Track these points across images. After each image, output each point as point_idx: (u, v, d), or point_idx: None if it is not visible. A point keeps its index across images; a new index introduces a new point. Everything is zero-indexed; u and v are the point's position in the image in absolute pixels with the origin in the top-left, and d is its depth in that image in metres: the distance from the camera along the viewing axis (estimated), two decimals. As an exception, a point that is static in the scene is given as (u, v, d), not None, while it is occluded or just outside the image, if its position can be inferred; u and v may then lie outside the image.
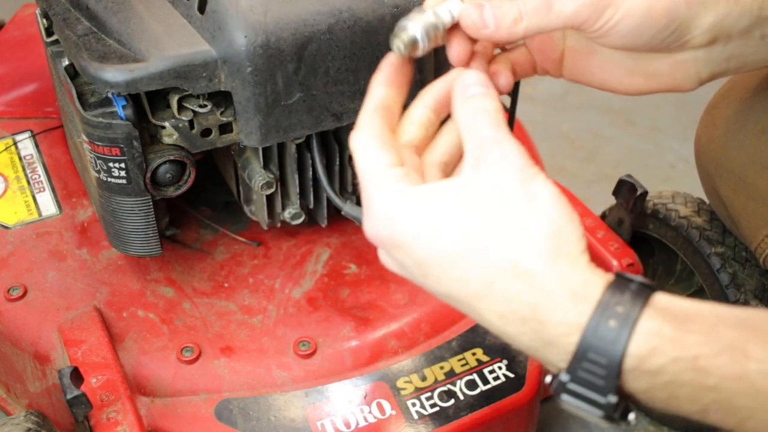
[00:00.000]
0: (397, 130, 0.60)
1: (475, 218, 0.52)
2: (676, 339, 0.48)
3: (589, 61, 0.66)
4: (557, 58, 0.67)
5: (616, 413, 0.50)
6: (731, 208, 0.83)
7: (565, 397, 0.51)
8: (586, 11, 0.58)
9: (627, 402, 0.50)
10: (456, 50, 0.61)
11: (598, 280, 0.51)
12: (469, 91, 0.58)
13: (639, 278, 0.51)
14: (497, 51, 0.68)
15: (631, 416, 0.51)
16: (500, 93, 0.63)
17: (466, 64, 0.62)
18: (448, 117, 0.62)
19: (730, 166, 0.81)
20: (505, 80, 0.64)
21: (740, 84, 0.84)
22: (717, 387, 0.48)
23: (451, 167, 0.61)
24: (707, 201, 0.94)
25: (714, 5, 0.60)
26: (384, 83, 0.60)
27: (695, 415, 0.50)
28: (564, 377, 0.50)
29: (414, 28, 0.60)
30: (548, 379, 0.52)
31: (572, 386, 0.50)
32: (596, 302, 0.50)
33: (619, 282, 0.51)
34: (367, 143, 0.57)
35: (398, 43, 0.60)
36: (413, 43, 0.60)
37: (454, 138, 0.61)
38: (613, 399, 0.49)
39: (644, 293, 0.50)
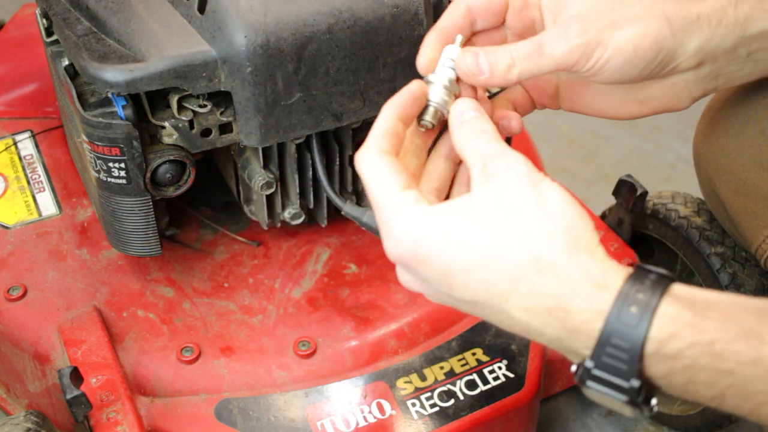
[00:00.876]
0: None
1: (494, 225, 0.55)
2: (695, 324, 0.50)
3: (584, 94, 0.69)
4: (553, 92, 0.70)
5: (640, 397, 0.52)
6: (731, 209, 0.83)
7: (590, 383, 0.53)
8: (576, 53, 0.61)
9: (649, 387, 0.52)
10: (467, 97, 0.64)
11: (618, 270, 0.53)
12: (464, 116, 0.60)
13: (658, 269, 0.53)
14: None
15: (654, 401, 0.53)
16: (513, 134, 0.67)
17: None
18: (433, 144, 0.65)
19: (729, 167, 0.81)
20: (516, 122, 0.67)
21: (739, 86, 0.84)
22: (733, 371, 0.49)
23: (444, 193, 0.64)
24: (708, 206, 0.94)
25: (698, 30, 0.63)
26: (397, 114, 0.61)
27: (712, 402, 0.51)
28: (589, 364, 0.52)
29: (436, 101, 0.63)
30: (573, 368, 0.54)
31: (597, 372, 0.52)
32: (617, 290, 0.52)
33: (639, 272, 0.53)
34: (380, 165, 0.59)
35: (427, 120, 0.63)
36: (440, 116, 0.63)
37: (442, 165, 0.64)
38: (636, 383, 0.51)
39: (663, 282, 0.52)
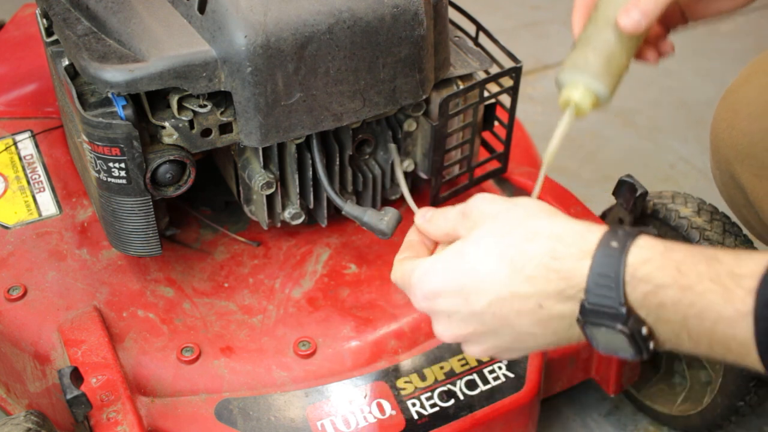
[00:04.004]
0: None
1: (484, 235, 0.65)
2: (664, 252, 0.58)
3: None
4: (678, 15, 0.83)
5: (630, 323, 0.59)
6: (753, 194, 0.83)
7: (589, 318, 0.60)
8: None
9: (636, 318, 0.59)
10: None
11: (596, 224, 0.62)
12: (427, 215, 0.74)
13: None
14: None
15: (651, 344, 0.60)
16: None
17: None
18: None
19: (752, 151, 0.80)
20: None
21: (761, 70, 0.83)
22: (693, 287, 0.56)
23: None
24: (719, 197, 0.92)
25: None
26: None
27: (679, 334, 0.58)
28: (585, 302, 0.60)
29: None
30: (577, 318, 0.62)
31: (591, 306, 0.60)
32: (600, 234, 0.61)
33: (613, 227, 0.62)
34: (400, 263, 0.73)
35: None
36: None
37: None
38: (623, 310, 0.58)
39: (636, 231, 0.61)
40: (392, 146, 0.96)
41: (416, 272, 0.68)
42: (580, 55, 0.83)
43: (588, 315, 0.60)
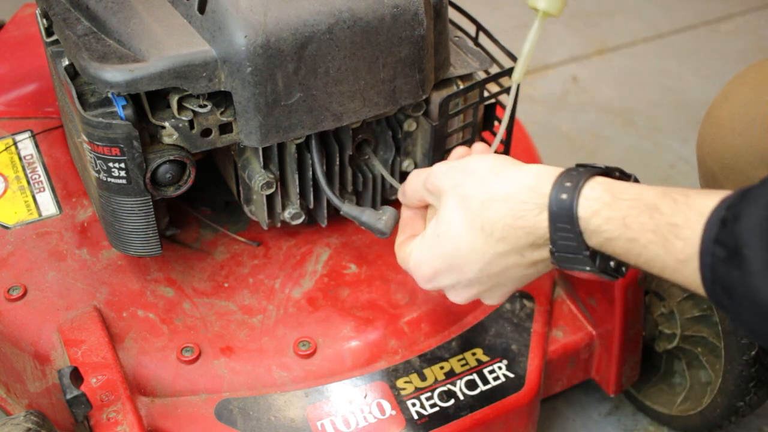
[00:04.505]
0: None
1: (457, 218, 0.71)
2: (611, 204, 0.62)
3: None
4: None
5: (599, 263, 0.64)
6: None
7: (562, 265, 0.65)
8: None
9: (601, 254, 0.64)
10: None
11: (550, 171, 0.66)
12: (402, 192, 0.82)
13: (591, 164, 0.66)
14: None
15: (624, 269, 0.66)
16: None
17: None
18: None
19: (736, 165, 0.81)
20: None
21: (742, 84, 0.84)
22: (637, 239, 0.60)
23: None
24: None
25: None
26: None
27: (637, 266, 0.63)
28: (554, 251, 0.65)
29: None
30: (553, 261, 0.67)
31: (560, 255, 0.65)
32: (551, 185, 0.64)
33: (570, 169, 0.66)
34: (402, 245, 0.80)
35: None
36: None
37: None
38: (587, 253, 0.64)
39: (588, 173, 0.64)
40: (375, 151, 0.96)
41: (411, 261, 0.76)
42: None
43: (559, 260, 0.66)
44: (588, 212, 0.62)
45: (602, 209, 0.62)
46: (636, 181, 0.66)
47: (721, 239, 0.55)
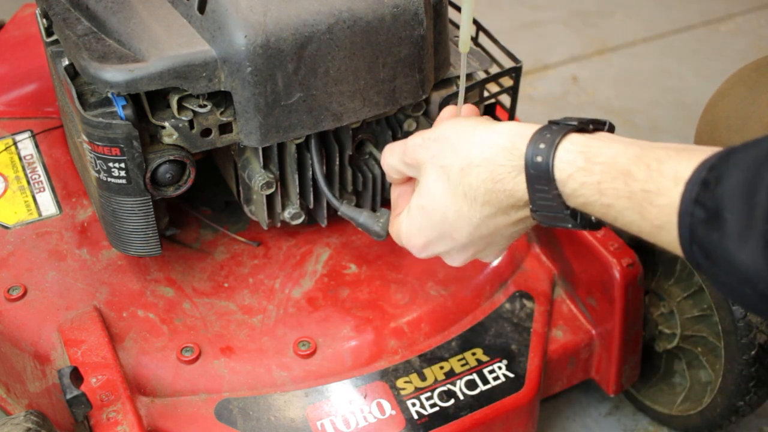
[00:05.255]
0: None
1: (439, 188, 0.71)
2: (585, 168, 0.61)
3: None
4: None
5: (581, 221, 0.65)
6: None
7: (544, 222, 0.66)
8: None
9: (581, 212, 0.64)
10: None
11: (520, 135, 0.65)
12: (387, 175, 0.81)
13: (566, 120, 0.65)
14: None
15: (606, 222, 0.64)
16: None
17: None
18: None
19: None
20: None
21: (740, 82, 0.84)
22: (613, 205, 0.60)
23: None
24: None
25: None
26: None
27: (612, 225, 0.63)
28: (534, 212, 0.65)
29: None
30: (535, 218, 0.67)
31: (541, 215, 0.65)
32: (524, 150, 0.64)
33: (545, 126, 0.65)
34: (394, 222, 0.80)
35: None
36: None
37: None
38: (567, 212, 0.64)
39: (562, 131, 0.63)
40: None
41: (402, 235, 0.76)
42: None
43: (541, 219, 0.66)
44: (564, 175, 0.62)
45: (576, 173, 0.62)
46: (611, 129, 0.66)
47: (702, 200, 0.55)
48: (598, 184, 0.61)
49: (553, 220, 0.66)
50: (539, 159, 0.63)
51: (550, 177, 0.62)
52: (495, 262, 1.01)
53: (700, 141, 0.87)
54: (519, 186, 0.65)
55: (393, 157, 0.77)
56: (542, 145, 0.63)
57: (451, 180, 0.69)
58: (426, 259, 0.78)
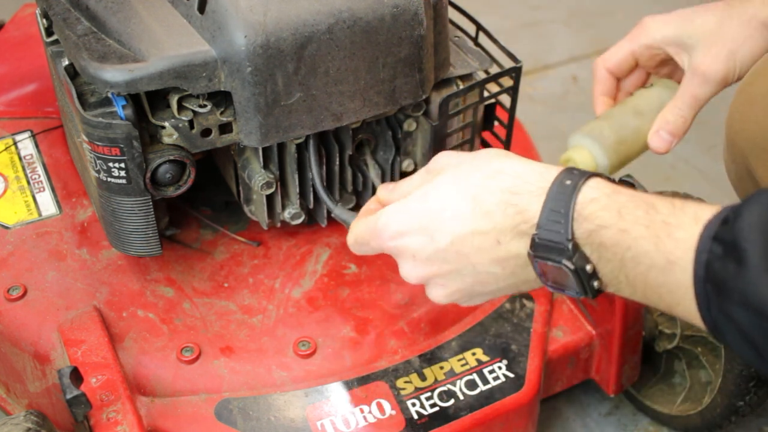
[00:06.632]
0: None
1: (454, 182, 0.69)
2: (610, 194, 0.62)
3: None
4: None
5: (576, 259, 0.62)
6: None
7: (539, 252, 0.63)
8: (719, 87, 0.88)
9: (582, 256, 0.62)
10: None
11: (557, 167, 0.66)
12: (386, 188, 0.80)
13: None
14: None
15: (596, 284, 0.63)
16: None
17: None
18: None
19: None
20: None
21: None
22: (629, 231, 0.59)
23: None
24: (719, 197, 0.93)
25: None
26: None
27: (617, 277, 0.62)
28: (536, 237, 0.63)
29: None
30: (528, 251, 0.65)
31: (541, 239, 0.63)
32: (557, 172, 0.65)
33: (571, 167, 0.66)
34: (362, 218, 0.77)
35: None
36: None
37: None
38: (569, 245, 0.62)
39: (592, 173, 0.64)
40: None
41: (382, 217, 0.71)
42: (597, 126, 0.90)
43: (538, 249, 0.63)
44: (586, 197, 0.62)
45: (601, 197, 0.62)
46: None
47: (720, 236, 0.55)
48: (619, 209, 0.61)
49: (549, 252, 0.63)
50: (568, 182, 0.63)
51: (571, 199, 0.62)
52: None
53: (733, 121, 0.85)
54: (533, 206, 0.64)
55: (418, 172, 0.75)
56: (576, 171, 0.64)
57: (468, 180, 0.67)
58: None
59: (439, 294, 0.72)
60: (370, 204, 0.80)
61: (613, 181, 0.65)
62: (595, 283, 0.63)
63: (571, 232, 0.62)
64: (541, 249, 0.63)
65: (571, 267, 0.62)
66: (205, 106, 0.82)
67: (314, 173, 0.92)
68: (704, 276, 0.55)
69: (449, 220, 0.67)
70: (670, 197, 0.61)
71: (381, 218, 0.71)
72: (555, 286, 0.65)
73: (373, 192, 0.99)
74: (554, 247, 0.62)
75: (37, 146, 1.11)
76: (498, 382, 0.92)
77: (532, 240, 0.63)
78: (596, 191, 0.62)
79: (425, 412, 0.88)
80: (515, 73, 0.97)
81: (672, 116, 0.88)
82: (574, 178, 0.63)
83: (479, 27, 1.02)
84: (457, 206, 0.67)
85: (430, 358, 0.93)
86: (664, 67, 0.95)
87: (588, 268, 0.62)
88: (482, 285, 0.69)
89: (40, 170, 1.08)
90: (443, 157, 0.73)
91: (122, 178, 0.83)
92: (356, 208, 0.97)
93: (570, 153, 0.88)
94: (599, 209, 0.61)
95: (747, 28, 0.85)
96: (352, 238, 0.77)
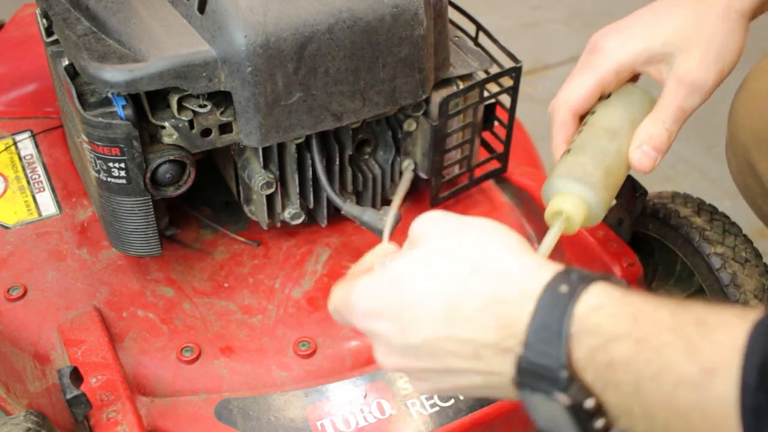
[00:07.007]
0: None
1: (420, 259, 0.56)
2: (622, 299, 0.50)
3: None
4: None
5: (574, 396, 0.49)
6: None
7: (526, 379, 0.51)
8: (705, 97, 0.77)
9: (580, 387, 0.49)
10: None
11: (550, 264, 0.53)
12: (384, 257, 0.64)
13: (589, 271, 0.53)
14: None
15: (599, 423, 0.49)
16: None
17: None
18: None
19: None
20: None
21: None
22: (648, 339, 0.47)
23: None
24: (719, 197, 0.92)
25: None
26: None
27: (631, 403, 0.48)
28: (522, 360, 0.50)
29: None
30: (512, 376, 0.52)
31: (529, 363, 0.50)
32: (551, 275, 0.52)
33: (569, 268, 0.53)
34: (343, 284, 0.65)
35: None
36: None
37: None
38: (563, 373, 0.49)
39: (594, 276, 0.52)
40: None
41: (356, 289, 0.59)
42: (576, 164, 0.74)
43: (524, 376, 0.50)
44: (588, 307, 0.49)
45: (609, 304, 0.49)
46: None
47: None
48: (634, 314, 0.48)
49: (536, 382, 0.50)
50: (563, 288, 0.50)
51: (567, 310, 0.49)
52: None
53: (736, 115, 0.84)
54: (518, 319, 0.51)
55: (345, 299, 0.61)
56: (574, 275, 0.51)
57: (447, 272, 0.54)
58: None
59: (421, 387, 0.59)
60: (365, 258, 0.69)
61: (623, 284, 0.52)
62: (599, 423, 0.49)
63: (567, 356, 0.49)
64: (529, 376, 0.50)
65: (566, 402, 0.49)
66: (205, 106, 0.82)
67: (319, 172, 0.92)
68: (757, 383, 0.42)
69: (421, 318, 0.54)
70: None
71: (354, 291, 0.60)
72: (547, 425, 0.52)
73: (374, 191, 0.99)
74: (544, 375, 0.49)
75: (37, 146, 1.11)
76: (498, 382, 0.92)
77: (518, 363, 0.50)
78: (601, 296, 0.50)
79: (425, 412, 0.88)
80: (515, 73, 0.97)
81: (656, 129, 0.74)
82: (571, 283, 0.50)
83: (479, 27, 1.02)
84: (429, 305, 0.54)
85: (430, 358, 0.93)
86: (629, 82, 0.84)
87: (588, 404, 0.49)
88: (465, 391, 0.57)
89: (40, 170, 1.08)
90: (426, 222, 0.58)
91: (122, 178, 0.83)
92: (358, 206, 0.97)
93: (556, 203, 0.72)
94: (606, 318, 0.48)
95: (726, 21, 0.76)
96: (332, 306, 0.65)
